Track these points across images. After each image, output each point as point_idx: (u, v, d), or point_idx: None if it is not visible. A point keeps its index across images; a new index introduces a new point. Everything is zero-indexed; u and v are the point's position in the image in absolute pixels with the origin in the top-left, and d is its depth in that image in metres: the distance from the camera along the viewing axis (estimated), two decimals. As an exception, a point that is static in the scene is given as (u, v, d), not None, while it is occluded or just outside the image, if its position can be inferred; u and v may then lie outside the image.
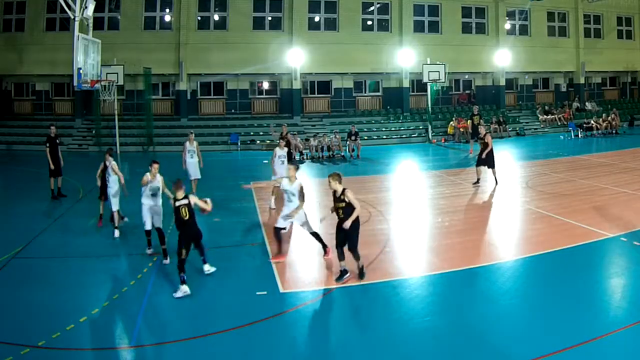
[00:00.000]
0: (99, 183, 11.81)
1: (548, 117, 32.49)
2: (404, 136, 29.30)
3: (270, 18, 29.99)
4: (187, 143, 15.05)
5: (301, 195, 9.35)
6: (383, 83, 32.58)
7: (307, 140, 24.82)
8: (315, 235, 9.61)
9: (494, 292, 8.06)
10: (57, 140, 15.28)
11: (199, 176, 15.02)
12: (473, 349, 6.30)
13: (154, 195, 9.71)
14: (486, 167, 15.97)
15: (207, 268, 8.83)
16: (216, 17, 29.56)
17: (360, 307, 7.69)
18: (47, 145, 14.77)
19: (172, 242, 10.11)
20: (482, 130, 16.55)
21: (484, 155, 15.88)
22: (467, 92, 34.61)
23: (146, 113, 26.82)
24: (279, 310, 7.47)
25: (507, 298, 7.83)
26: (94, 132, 27.32)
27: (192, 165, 14.92)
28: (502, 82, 33.23)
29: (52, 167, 14.62)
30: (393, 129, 30.25)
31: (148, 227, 9.72)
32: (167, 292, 8.29)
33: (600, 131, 29.23)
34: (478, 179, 16.03)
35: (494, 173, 15.95)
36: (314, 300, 7.81)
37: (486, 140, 15.94)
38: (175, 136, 26.89)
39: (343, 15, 30.37)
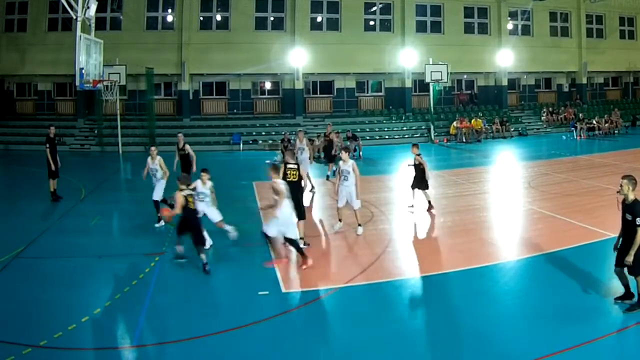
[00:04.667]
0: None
1: (551, 117, 32.45)
2: (406, 136, 29.24)
3: (272, 18, 29.98)
4: (199, 182, 10.26)
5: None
6: (385, 83, 32.56)
7: (310, 140, 24.72)
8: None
9: (496, 293, 8.04)
10: (56, 141, 15.03)
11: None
12: (475, 349, 6.28)
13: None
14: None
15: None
16: (218, 18, 29.58)
17: (362, 307, 7.66)
18: (47, 146, 14.39)
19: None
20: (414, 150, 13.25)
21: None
22: (468, 92, 34.58)
23: (148, 113, 26.86)
24: (281, 310, 7.46)
25: (509, 298, 7.82)
26: (96, 132, 27.34)
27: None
28: (505, 82, 33.19)
29: (52, 168, 14.33)
30: (395, 129, 30.23)
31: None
32: (169, 292, 8.30)
33: (601, 131, 29.20)
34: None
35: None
36: (316, 300, 7.80)
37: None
38: (177, 136, 26.91)
39: (345, 16, 30.36)
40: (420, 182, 12.98)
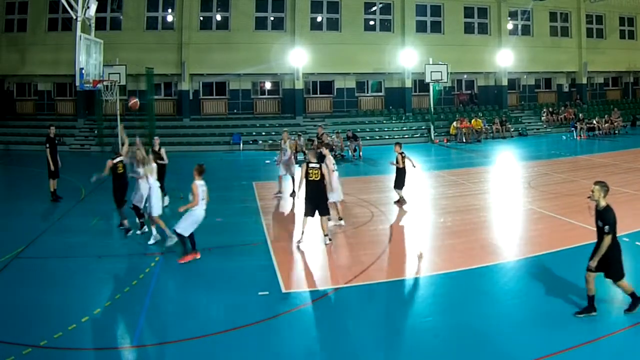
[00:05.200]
0: None
1: (551, 117, 32.45)
2: (406, 136, 29.19)
3: (272, 18, 29.97)
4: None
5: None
6: (385, 83, 32.54)
7: (310, 141, 24.76)
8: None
9: (496, 293, 8.05)
10: (57, 141, 15.02)
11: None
12: (474, 349, 6.28)
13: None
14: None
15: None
16: (218, 17, 29.57)
17: (362, 307, 7.67)
18: (47, 146, 14.40)
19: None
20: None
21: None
22: (468, 92, 34.58)
23: (148, 113, 26.83)
24: (281, 310, 7.46)
25: (508, 298, 7.82)
26: (96, 132, 27.33)
27: None
28: (505, 82, 33.18)
29: (52, 168, 14.33)
30: (395, 129, 30.22)
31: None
32: (169, 292, 8.31)
33: (601, 131, 29.20)
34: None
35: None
36: (316, 300, 7.80)
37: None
38: (178, 136, 26.92)
39: (345, 16, 30.35)
40: (399, 182, 13.49)
